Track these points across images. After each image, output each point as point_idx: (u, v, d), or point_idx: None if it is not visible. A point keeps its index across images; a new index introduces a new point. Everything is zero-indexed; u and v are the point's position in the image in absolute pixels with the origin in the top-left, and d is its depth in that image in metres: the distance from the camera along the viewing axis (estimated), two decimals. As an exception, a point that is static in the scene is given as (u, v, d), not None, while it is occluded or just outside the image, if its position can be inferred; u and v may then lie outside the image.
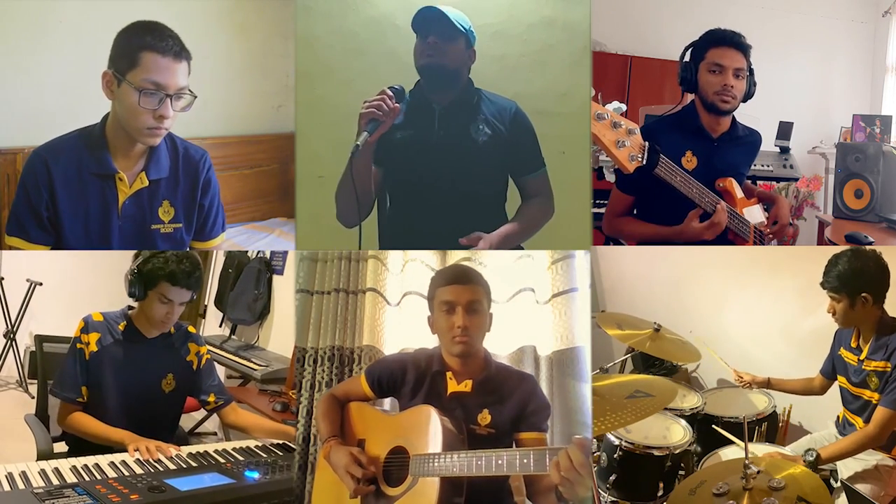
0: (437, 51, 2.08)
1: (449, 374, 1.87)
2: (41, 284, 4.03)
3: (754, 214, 2.54)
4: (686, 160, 2.39)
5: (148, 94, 1.98)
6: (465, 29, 2.09)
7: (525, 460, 1.58)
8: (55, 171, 2.05)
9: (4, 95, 2.79)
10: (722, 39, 2.38)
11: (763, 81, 2.40)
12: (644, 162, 2.22)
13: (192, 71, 2.07)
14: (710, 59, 2.37)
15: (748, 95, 2.42)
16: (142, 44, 1.98)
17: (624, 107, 2.32)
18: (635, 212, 2.51)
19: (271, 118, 3.42)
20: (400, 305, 2.39)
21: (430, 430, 1.74)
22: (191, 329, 2.42)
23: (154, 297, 2.20)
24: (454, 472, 1.65)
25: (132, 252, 2.23)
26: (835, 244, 3.02)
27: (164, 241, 2.21)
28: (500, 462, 1.61)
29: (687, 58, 2.41)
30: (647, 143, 2.22)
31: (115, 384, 2.23)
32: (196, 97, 2.06)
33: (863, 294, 2.21)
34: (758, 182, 3.24)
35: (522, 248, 2.24)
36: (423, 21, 2.09)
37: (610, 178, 2.84)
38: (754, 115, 2.53)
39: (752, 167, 3.10)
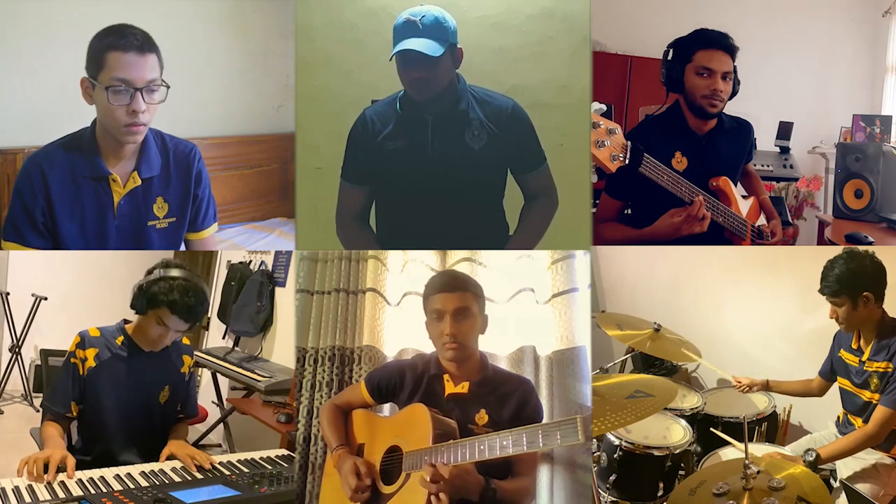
0: (424, 85, 2.05)
1: (446, 376, 1.90)
2: (46, 299, 4.04)
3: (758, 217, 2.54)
4: (676, 161, 2.37)
5: (116, 92, 2.02)
6: (446, 44, 2.01)
7: (504, 443, 1.65)
8: (51, 176, 2.08)
9: (5, 95, 2.80)
10: (711, 41, 2.34)
11: (763, 81, 2.38)
12: (627, 161, 2.21)
13: (167, 64, 2.09)
14: (698, 62, 2.34)
15: (733, 94, 2.40)
16: (105, 45, 2.03)
17: (605, 107, 2.29)
18: (629, 211, 2.50)
19: (271, 118, 3.42)
20: (400, 305, 2.39)
21: (421, 426, 1.77)
22: (185, 341, 2.41)
23: (152, 318, 2.16)
24: (442, 462, 1.69)
25: (135, 261, 2.22)
26: (835, 244, 3.02)
27: (160, 236, 2.23)
28: (481, 448, 1.67)
29: (670, 56, 2.37)
30: (629, 143, 2.21)
31: (114, 399, 2.21)
32: (169, 87, 2.09)
33: (864, 294, 2.22)
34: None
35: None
36: (403, 62, 2.03)
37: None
38: (754, 115, 2.53)
39: (753, 167, 3.09)
